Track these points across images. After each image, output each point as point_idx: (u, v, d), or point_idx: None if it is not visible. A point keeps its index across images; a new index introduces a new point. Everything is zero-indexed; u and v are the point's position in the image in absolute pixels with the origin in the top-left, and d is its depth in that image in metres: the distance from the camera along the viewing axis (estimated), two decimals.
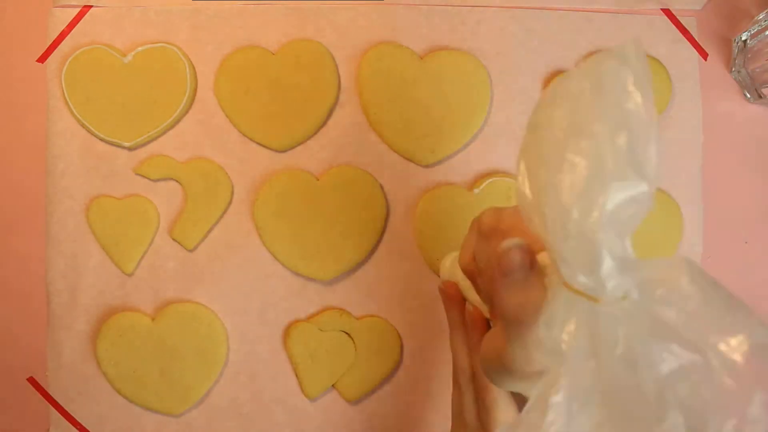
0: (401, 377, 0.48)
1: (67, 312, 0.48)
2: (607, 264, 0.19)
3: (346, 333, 0.47)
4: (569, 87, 0.20)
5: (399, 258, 0.48)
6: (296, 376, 0.48)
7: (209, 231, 0.49)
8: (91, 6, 0.49)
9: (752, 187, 0.50)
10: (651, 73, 0.19)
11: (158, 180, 0.49)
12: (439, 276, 0.38)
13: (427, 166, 0.49)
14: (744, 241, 0.50)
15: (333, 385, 0.47)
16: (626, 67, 0.19)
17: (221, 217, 0.49)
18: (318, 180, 0.48)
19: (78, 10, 0.49)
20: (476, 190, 0.48)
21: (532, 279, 0.23)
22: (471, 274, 0.30)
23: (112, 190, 0.49)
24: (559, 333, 0.20)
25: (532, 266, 0.23)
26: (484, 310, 0.32)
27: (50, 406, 0.48)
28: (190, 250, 0.48)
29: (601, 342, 0.19)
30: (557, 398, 0.19)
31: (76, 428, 0.48)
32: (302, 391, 0.48)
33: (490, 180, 0.48)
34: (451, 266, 0.36)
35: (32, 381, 0.49)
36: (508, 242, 0.24)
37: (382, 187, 0.48)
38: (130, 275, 0.48)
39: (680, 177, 0.49)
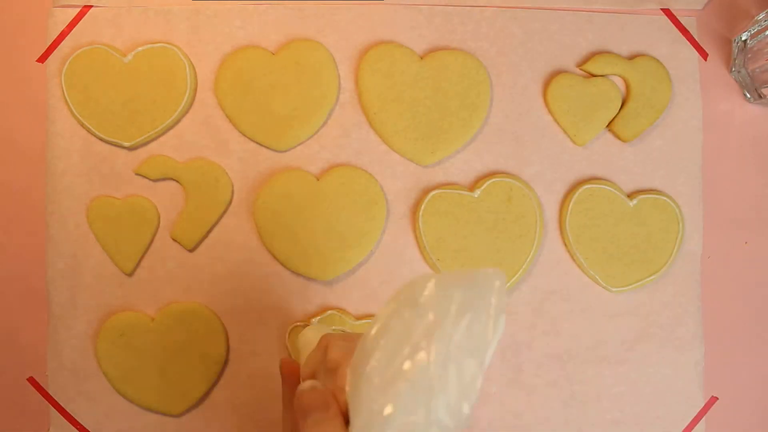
0: None
1: (67, 312, 0.48)
2: None
3: None
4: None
5: (399, 258, 0.48)
6: None
7: (209, 231, 0.48)
8: (91, 6, 0.49)
9: (752, 187, 0.50)
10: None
11: (158, 180, 0.49)
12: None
13: (427, 166, 0.49)
14: (744, 241, 0.50)
15: None
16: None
17: (221, 217, 0.49)
18: (318, 180, 0.48)
19: (78, 10, 0.49)
20: (477, 192, 0.48)
21: (331, 421, 0.26)
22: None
23: (112, 190, 0.49)
24: None
25: (327, 409, 0.27)
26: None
27: (50, 406, 0.48)
28: (190, 250, 0.48)
29: None
30: None
31: (76, 428, 0.48)
32: None
33: (491, 181, 0.48)
34: (313, 339, 0.35)
35: (32, 381, 0.49)
36: (306, 384, 0.28)
37: (382, 187, 0.48)
38: (130, 275, 0.48)
39: (680, 177, 0.49)
